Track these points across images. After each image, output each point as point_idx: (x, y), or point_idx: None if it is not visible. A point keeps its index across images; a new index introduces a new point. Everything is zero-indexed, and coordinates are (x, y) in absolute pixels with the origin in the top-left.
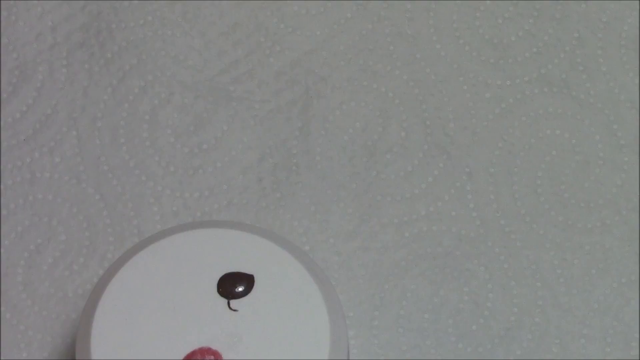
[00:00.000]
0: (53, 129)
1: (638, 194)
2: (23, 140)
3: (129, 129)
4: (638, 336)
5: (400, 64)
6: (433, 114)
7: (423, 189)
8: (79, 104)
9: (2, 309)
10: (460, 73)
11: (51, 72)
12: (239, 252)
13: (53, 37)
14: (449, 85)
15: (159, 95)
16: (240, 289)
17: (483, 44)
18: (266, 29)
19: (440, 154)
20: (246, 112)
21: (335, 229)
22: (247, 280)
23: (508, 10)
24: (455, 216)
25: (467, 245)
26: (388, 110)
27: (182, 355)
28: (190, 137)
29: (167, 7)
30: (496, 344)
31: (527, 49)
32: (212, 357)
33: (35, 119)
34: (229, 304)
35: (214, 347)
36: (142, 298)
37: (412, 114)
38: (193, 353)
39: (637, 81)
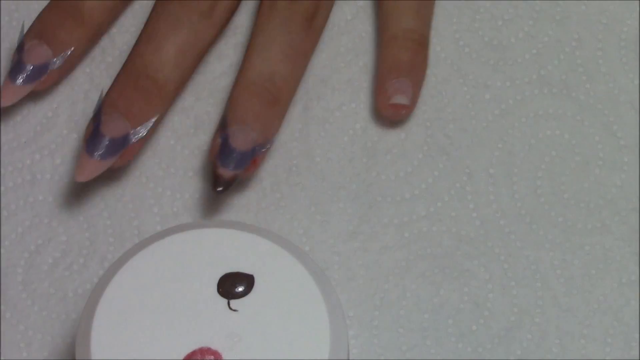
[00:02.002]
0: (54, 132)
1: (638, 195)
2: (24, 142)
3: None
4: (638, 336)
5: None
6: (433, 115)
7: (423, 189)
8: (80, 107)
9: (2, 308)
10: (460, 75)
11: None
12: (239, 252)
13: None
14: (448, 86)
15: None
16: (240, 289)
17: (483, 45)
18: None
19: (440, 154)
20: None
21: (335, 229)
22: (247, 280)
23: (508, 12)
24: (455, 217)
25: (467, 246)
26: None
27: (182, 355)
28: (191, 139)
29: None
30: (496, 344)
31: (526, 51)
32: (212, 357)
33: (36, 122)
34: (229, 304)
35: (214, 347)
36: (142, 298)
37: (412, 116)
38: (193, 353)
39: (637, 82)
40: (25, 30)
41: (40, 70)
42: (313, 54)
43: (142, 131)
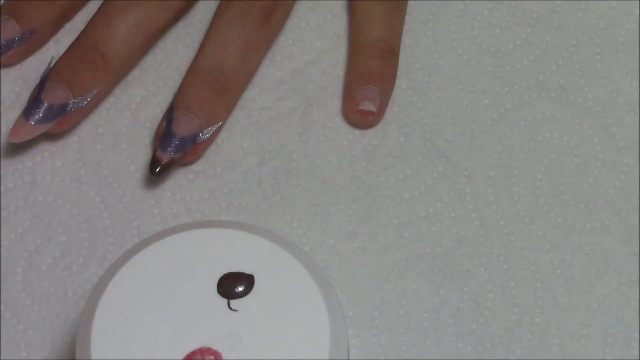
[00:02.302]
0: (55, 135)
1: (637, 195)
2: (25, 145)
3: (130, 136)
4: (638, 336)
5: (399, 74)
6: (432, 120)
7: (422, 191)
8: None
9: (2, 308)
10: (459, 81)
11: None
12: (239, 252)
13: (56, 48)
14: (447, 92)
15: (160, 104)
16: (240, 289)
17: (481, 52)
18: None
19: (439, 157)
20: (246, 119)
21: (335, 229)
22: (247, 280)
23: (505, 20)
24: (454, 217)
25: (467, 246)
26: (387, 117)
27: (182, 355)
28: None
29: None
30: (496, 344)
31: (525, 57)
32: (212, 357)
33: None
34: (229, 304)
35: (214, 347)
36: (142, 298)
37: (411, 121)
38: (193, 353)
39: (635, 84)
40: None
41: (8, 46)
42: (313, 64)
43: (82, 102)
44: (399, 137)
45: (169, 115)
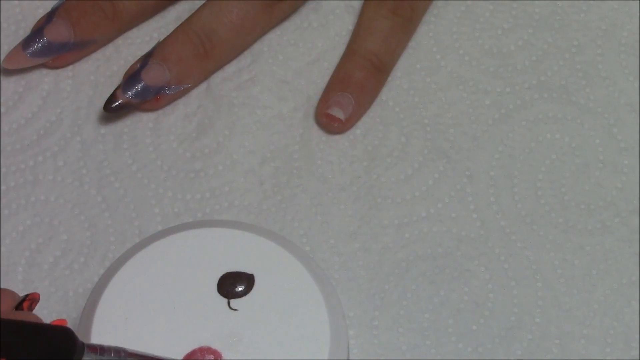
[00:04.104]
0: (57, 135)
1: (638, 196)
2: (27, 145)
3: (133, 135)
4: (638, 337)
5: (400, 74)
6: (433, 121)
7: (423, 191)
8: (84, 112)
9: None
10: (460, 81)
11: (57, 82)
12: (239, 251)
13: None
14: (448, 93)
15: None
16: (240, 288)
17: (483, 53)
18: (269, 40)
19: (440, 157)
20: (248, 118)
21: (336, 230)
22: (247, 280)
23: (507, 21)
24: (455, 217)
25: (468, 246)
26: (388, 118)
27: (182, 355)
28: (193, 143)
29: (171, 25)
30: (496, 344)
31: (526, 58)
32: (212, 357)
33: (40, 126)
34: (229, 303)
35: (214, 346)
36: (143, 297)
37: (412, 121)
38: (193, 352)
39: (637, 85)
40: None
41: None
42: (315, 64)
43: (81, 45)
44: (400, 137)
45: (144, 60)
